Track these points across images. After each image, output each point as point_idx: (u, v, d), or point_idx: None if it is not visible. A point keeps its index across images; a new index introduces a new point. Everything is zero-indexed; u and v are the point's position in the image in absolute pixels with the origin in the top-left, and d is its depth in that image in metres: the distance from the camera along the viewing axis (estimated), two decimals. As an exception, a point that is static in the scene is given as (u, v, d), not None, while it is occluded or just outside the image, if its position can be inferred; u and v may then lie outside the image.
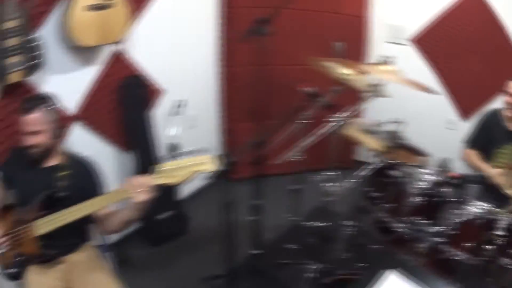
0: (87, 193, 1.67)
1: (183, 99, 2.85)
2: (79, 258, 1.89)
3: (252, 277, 2.31)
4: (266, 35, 1.88)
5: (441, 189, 1.99)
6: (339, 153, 2.48)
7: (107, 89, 2.48)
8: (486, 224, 1.85)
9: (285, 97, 2.89)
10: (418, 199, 2.01)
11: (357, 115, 2.14)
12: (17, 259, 1.73)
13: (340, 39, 2.96)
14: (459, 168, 2.41)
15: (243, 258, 2.42)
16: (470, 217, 1.89)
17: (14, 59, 1.88)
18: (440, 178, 2.02)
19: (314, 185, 2.45)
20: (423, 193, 2.01)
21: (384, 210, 2.10)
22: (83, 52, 2.30)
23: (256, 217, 2.22)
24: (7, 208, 1.81)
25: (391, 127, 2.23)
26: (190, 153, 1.48)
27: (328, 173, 2.34)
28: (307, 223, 2.70)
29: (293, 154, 2.19)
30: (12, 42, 1.86)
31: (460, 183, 2.02)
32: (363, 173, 2.26)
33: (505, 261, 1.79)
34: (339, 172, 2.35)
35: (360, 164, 2.27)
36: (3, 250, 1.73)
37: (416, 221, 1.99)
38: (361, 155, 3.65)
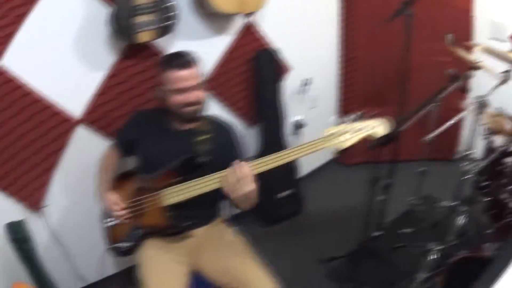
0: (228, 160, 1.47)
1: (309, 78, 2.77)
2: (210, 232, 1.74)
3: (371, 260, 2.22)
4: (410, 16, 1.88)
5: None
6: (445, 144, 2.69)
7: (237, 60, 2.43)
8: None
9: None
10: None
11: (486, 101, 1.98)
12: (135, 231, 1.62)
13: (449, 31, 2.71)
14: None
15: (362, 240, 2.30)
16: None
17: (144, 18, 1.78)
18: None
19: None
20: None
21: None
22: (217, 20, 2.25)
23: (385, 197, 2.15)
24: (126, 176, 1.73)
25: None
26: (355, 118, 1.39)
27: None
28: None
29: (427, 139, 2.19)
30: (143, 0, 1.76)
31: None
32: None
33: None
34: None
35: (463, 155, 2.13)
36: (118, 222, 1.62)
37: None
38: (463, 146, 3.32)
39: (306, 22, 2.81)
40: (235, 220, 1.97)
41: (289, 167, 2.68)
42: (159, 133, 1.70)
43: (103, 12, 1.81)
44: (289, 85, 2.77)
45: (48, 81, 1.80)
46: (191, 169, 1.55)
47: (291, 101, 2.80)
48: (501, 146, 2.07)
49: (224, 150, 1.66)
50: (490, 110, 2.06)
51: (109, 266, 2.25)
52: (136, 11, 1.75)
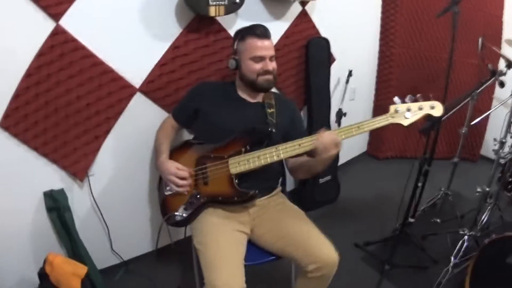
0: (291, 135, 1.59)
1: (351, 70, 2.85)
2: (271, 201, 1.72)
3: (404, 245, 2.30)
4: (457, 14, 1.94)
5: None
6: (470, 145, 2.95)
7: (291, 46, 2.49)
8: None
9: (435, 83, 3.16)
10: None
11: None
12: (196, 200, 1.59)
13: (482, 34, 2.89)
14: None
15: (396, 227, 2.42)
16: None
17: (218, -8, 1.84)
18: None
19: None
20: None
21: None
22: (277, 6, 2.31)
23: (422, 183, 2.22)
24: (187, 146, 1.70)
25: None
26: (415, 99, 1.49)
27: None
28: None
29: (463, 130, 2.34)
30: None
31: None
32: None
33: None
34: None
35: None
36: (180, 190, 1.59)
37: None
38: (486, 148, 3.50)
39: (353, 16, 2.90)
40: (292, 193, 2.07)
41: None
42: (228, 103, 1.71)
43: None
44: (332, 75, 2.84)
45: (109, 46, 1.76)
46: (261, 139, 1.57)
47: (334, 90, 2.91)
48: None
49: (288, 125, 1.72)
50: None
51: (146, 244, 2.21)
52: (212, -16, 1.80)
